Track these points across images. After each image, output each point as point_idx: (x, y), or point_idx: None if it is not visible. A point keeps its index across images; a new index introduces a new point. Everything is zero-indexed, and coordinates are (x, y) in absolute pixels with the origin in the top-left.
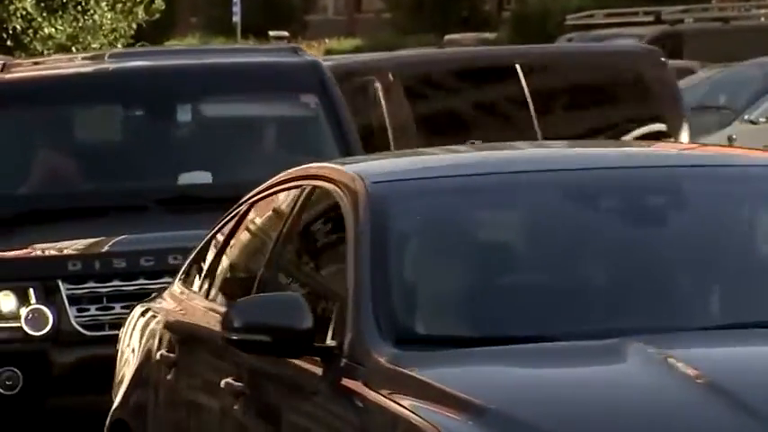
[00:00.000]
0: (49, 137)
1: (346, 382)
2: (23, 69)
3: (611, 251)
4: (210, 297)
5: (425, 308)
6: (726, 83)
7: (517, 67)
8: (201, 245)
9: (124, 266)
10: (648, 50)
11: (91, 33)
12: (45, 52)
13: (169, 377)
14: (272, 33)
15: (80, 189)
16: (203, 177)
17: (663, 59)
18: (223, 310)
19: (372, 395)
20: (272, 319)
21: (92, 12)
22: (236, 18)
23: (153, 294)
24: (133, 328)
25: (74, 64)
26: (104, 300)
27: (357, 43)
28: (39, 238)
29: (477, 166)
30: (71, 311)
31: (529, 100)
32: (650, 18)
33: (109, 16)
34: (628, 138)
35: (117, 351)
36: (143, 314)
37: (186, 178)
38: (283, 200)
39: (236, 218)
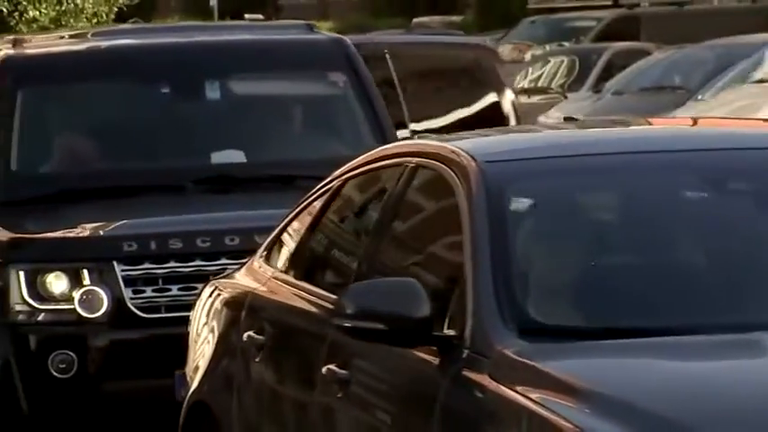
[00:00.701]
0: (78, 115)
1: (469, 374)
2: (40, 45)
3: (737, 238)
4: (302, 278)
5: (546, 295)
6: (680, 64)
7: (386, 54)
8: (285, 222)
9: (180, 247)
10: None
11: (73, 16)
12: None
13: (257, 359)
14: (247, 16)
15: (113, 168)
16: (237, 156)
17: (494, 50)
18: (319, 291)
19: (501, 389)
20: (388, 306)
21: None
22: (213, 2)
23: (224, 273)
24: (209, 309)
25: (90, 40)
26: (160, 281)
27: (330, 26)
28: (82, 218)
29: (591, 145)
30: (126, 293)
31: (396, 83)
32: (608, 2)
33: (90, 0)
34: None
35: (188, 332)
36: (216, 294)
37: (219, 157)
38: (382, 178)
39: (327, 195)
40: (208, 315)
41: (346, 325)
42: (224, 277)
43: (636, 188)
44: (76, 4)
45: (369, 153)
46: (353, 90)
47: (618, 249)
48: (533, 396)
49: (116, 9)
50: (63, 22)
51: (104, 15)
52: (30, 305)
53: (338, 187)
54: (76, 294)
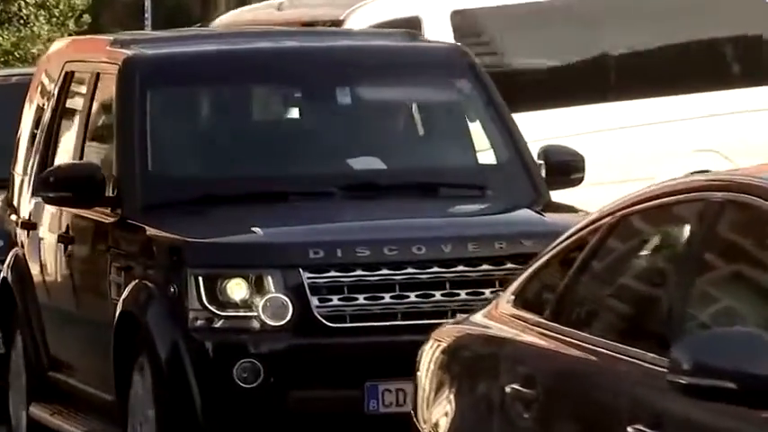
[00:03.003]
0: (210, 118)
1: None
2: (154, 46)
3: None
4: (577, 325)
5: None
6: None
7: None
8: (539, 265)
9: (367, 255)
10: None
11: (30, 41)
12: None
13: (526, 416)
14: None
15: (256, 173)
16: (376, 163)
17: None
18: (607, 341)
19: None
20: (733, 362)
21: (32, 24)
22: (148, 29)
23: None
24: (446, 359)
25: (210, 41)
26: (346, 290)
27: None
28: (248, 223)
29: None
30: (313, 301)
31: None
32: None
33: (45, 28)
34: None
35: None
36: (455, 343)
37: (359, 163)
38: (677, 214)
39: (602, 233)
40: (445, 366)
41: (682, 382)
42: (457, 324)
43: None
44: (33, 32)
45: (647, 189)
46: (479, 97)
47: None
48: None
49: (67, 35)
50: (22, 47)
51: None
52: (209, 311)
53: (612, 224)
54: (260, 301)
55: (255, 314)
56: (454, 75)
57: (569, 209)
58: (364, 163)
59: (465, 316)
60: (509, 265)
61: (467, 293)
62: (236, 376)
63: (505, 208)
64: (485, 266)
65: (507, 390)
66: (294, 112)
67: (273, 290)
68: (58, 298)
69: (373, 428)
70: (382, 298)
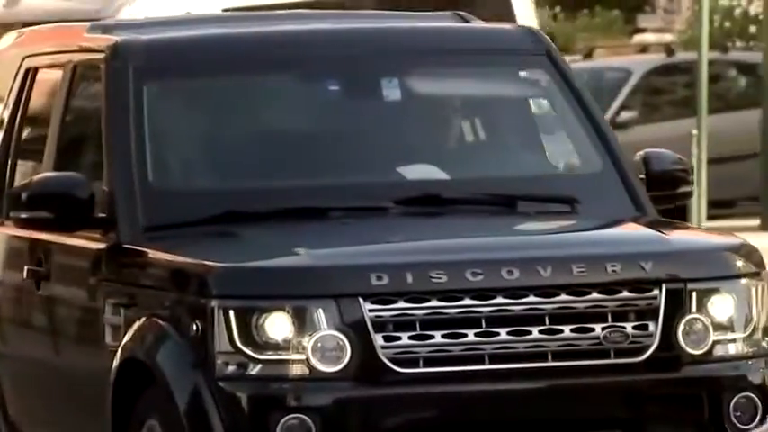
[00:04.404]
0: (225, 117)
1: None
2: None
3: None
4: None
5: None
6: None
7: None
8: None
9: (445, 282)
10: None
11: None
12: None
13: None
14: None
15: (286, 185)
16: (436, 172)
17: None
18: None
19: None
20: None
21: None
22: None
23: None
24: None
25: (220, 24)
26: (419, 326)
27: None
28: (286, 245)
29: None
30: (376, 339)
31: None
32: None
33: None
34: None
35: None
36: None
37: (414, 172)
38: None
39: None
40: None
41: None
42: None
43: None
44: None
45: None
46: (560, 91)
47: None
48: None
49: None
50: None
51: None
52: (244, 354)
53: None
54: (308, 341)
55: (303, 357)
56: (527, 64)
57: (685, 227)
58: (419, 172)
59: None
60: (625, 294)
61: (571, 330)
62: None
63: (605, 224)
64: (594, 295)
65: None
66: (331, 110)
67: (326, 326)
68: (27, 350)
69: None
70: (465, 335)
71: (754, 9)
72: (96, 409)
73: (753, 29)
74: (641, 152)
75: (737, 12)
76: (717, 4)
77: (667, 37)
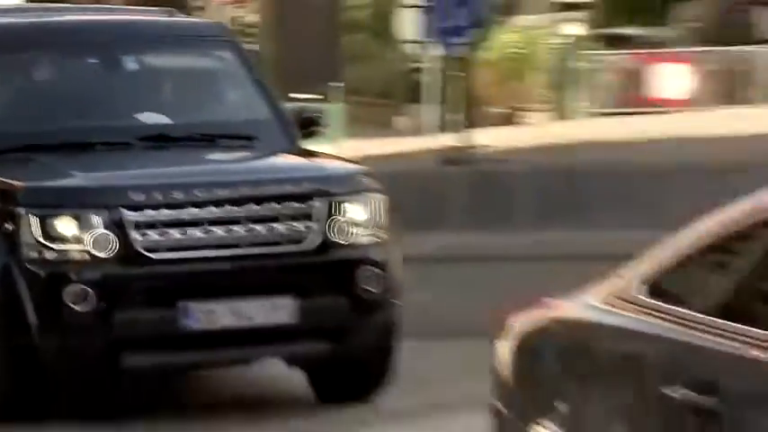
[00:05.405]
0: (33, 79)
1: None
2: None
3: None
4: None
5: None
6: None
7: None
8: (687, 252)
9: (181, 198)
10: None
11: None
12: None
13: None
14: None
15: (65, 126)
16: (164, 118)
17: None
18: None
19: None
20: None
21: None
22: None
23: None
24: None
25: (18, 15)
26: (162, 226)
27: None
28: (72, 169)
29: None
30: (133, 235)
31: None
32: None
33: None
34: None
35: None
36: (574, 334)
37: (149, 119)
38: None
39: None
40: (563, 359)
41: None
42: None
43: None
44: None
45: None
46: (241, 65)
47: None
48: None
49: None
50: None
51: None
52: (43, 245)
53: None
54: (87, 236)
55: (84, 247)
56: (221, 46)
57: (325, 154)
58: (152, 118)
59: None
60: (293, 203)
61: (259, 228)
62: (66, 299)
63: (275, 154)
64: (273, 204)
65: (676, 395)
66: (92, 76)
67: (99, 226)
68: None
69: (186, 342)
70: (192, 233)
71: None
72: None
73: None
74: (295, 104)
75: None
76: None
77: None
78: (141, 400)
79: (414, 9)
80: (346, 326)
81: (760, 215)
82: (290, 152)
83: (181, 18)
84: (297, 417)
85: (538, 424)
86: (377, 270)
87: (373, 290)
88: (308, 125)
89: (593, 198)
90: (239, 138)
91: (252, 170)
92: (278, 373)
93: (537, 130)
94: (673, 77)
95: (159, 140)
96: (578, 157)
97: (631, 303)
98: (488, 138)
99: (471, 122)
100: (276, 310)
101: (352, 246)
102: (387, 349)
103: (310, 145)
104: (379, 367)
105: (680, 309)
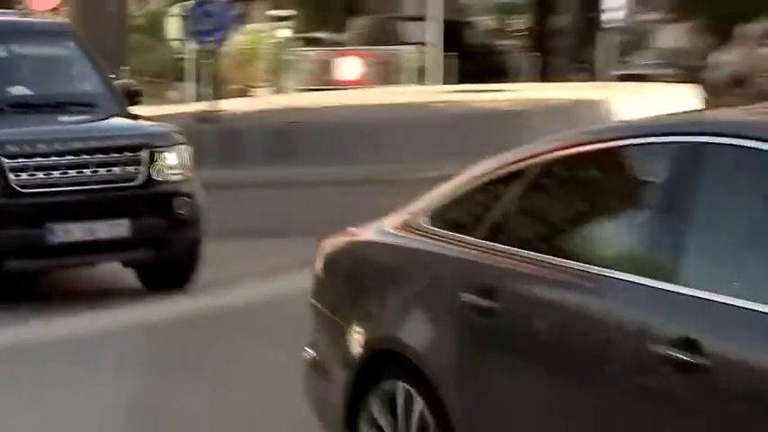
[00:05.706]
0: None
1: None
2: None
3: None
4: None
5: None
6: None
7: None
8: (465, 189)
9: (45, 149)
10: None
11: None
12: None
13: (479, 323)
14: None
15: None
16: (26, 90)
17: None
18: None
19: None
20: None
21: None
22: None
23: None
24: (367, 265)
25: None
26: (31, 169)
27: None
28: None
29: None
30: (10, 177)
31: None
32: None
33: None
34: None
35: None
36: (375, 252)
37: (15, 91)
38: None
39: (543, 168)
40: (366, 272)
41: None
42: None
43: None
44: None
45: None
46: (81, 52)
47: None
48: None
49: None
50: None
51: None
52: None
53: (553, 161)
54: None
55: None
56: (66, 38)
57: (146, 117)
58: (19, 91)
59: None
60: (126, 154)
61: (103, 171)
62: None
63: (112, 117)
64: (113, 154)
65: (462, 298)
66: None
67: None
68: None
69: (51, 252)
70: (54, 174)
71: None
72: None
73: None
74: (124, 80)
75: None
76: None
77: None
78: (19, 292)
79: (178, 17)
80: (165, 238)
81: (506, 168)
82: (121, 116)
83: (35, 18)
84: (131, 299)
85: (348, 324)
86: (187, 199)
87: (184, 213)
88: (133, 96)
89: (300, 144)
90: (84, 105)
91: (96, 129)
92: (117, 271)
93: (261, 101)
94: (349, 66)
95: (24, 107)
96: (289, 117)
97: (418, 230)
98: (229, 105)
99: (218, 95)
100: (116, 228)
101: (168, 182)
102: (194, 254)
103: (134, 111)
104: (189, 267)
105: (456, 234)
